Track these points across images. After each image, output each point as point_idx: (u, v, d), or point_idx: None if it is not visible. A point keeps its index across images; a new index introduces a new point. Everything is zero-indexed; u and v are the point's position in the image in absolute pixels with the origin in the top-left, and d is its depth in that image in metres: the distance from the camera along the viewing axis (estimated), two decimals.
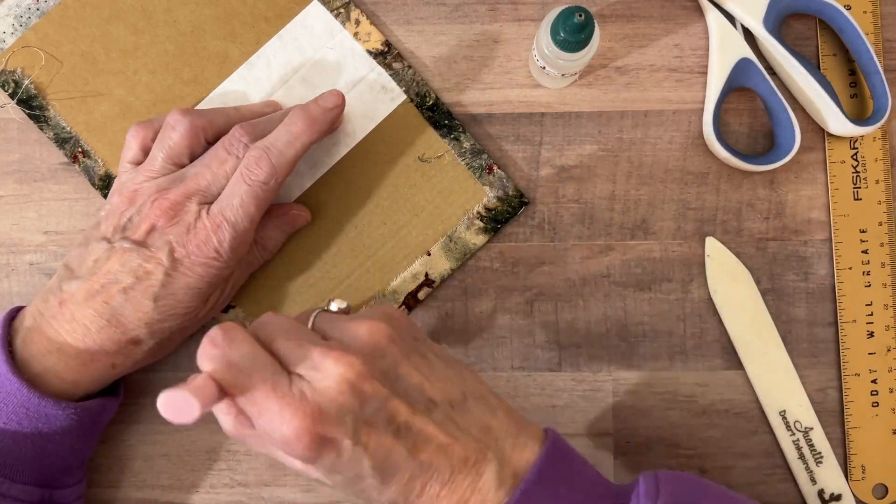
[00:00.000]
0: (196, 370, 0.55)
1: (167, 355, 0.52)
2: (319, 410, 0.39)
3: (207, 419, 0.54)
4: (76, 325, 0.47)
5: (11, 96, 0.54)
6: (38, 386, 0.46)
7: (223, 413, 0.41)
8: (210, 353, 0.40)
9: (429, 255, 0.55)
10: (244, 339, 0.40)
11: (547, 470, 0.42)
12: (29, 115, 0.54)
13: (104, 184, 0.55)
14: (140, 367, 0.50)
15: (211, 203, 0.48)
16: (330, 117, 0.50)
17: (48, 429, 0.46)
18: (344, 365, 0.39)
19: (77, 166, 0.55)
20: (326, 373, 0.39)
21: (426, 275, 0.55)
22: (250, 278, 0.54)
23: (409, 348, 0.43)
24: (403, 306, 0.55)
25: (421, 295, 0.55)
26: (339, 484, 0.42)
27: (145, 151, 0.51)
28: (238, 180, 0.48)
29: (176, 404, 0.37)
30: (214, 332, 0.40)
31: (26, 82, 0.54)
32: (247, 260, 0.52)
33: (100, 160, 0.55)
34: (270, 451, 0.42)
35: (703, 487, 0.44)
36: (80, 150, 0.55)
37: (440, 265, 0.55)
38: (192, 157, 0.50)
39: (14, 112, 0.55)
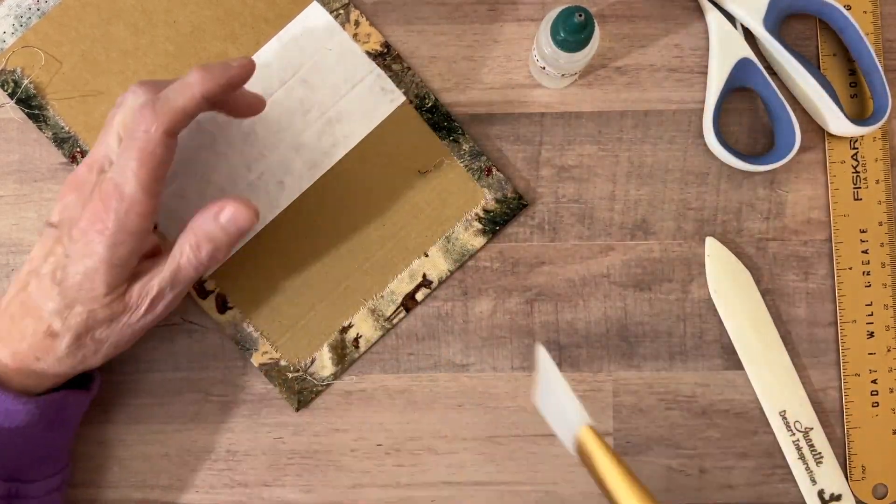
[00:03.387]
0: (193, 370, 0.55)
1: (108, 360, 0.49)
2: None
3: (213, 419, 0.54)
4: (5, 318, 0.46)
5: (11, 96, 0.54)
6: None
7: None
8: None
9: (426, 256, 0.55)
10: None
11: None
12: (28, 114, 0.54)
13: None
14: (77, 369, 0.48)
15: None
16: (229, 73, 0.46)
17: (9, 423, 0.46)
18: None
19: (76, 166, 0.55)
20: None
21: (424, 276, 0.55)
22: (249, 279, 0.54)
23: None
24: (402, 307, 0.55)
25: (419, 296, 0.55)
26: None
27: None
28: (126, 138, 0.45)
29: None
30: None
31: (26, 82, 0.54)
32: (177, 261, 0.47)
33: None
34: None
35: None
36: (78, 149, 0.55)
37: (438, 266, 0.55)
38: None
39: (13, 111, 0.55)
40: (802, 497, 0.54)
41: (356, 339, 0.55)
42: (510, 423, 0.55)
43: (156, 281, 0.46)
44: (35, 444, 0.48)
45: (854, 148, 0.55)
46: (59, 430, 0.49)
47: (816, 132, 0.56)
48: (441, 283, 0.55)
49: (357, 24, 0.55)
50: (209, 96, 0.45)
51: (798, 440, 0.54)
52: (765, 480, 0.55)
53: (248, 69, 0.47)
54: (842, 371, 0.54)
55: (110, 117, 0.47)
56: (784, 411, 0.54)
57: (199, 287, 0.54)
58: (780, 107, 0.54)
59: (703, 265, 0.55)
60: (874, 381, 0.54)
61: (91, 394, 0.51)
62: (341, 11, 0.55)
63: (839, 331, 0.55)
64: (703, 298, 0.55)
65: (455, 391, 0.55)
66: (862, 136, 0.55)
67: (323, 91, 0.55)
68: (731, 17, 0.55)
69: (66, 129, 0.55)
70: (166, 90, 0.45)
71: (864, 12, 0.55)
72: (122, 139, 0.45)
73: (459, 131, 0.55)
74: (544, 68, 0.52)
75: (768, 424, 0.54)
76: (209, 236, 0.46)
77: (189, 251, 0.46)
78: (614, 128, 0.56)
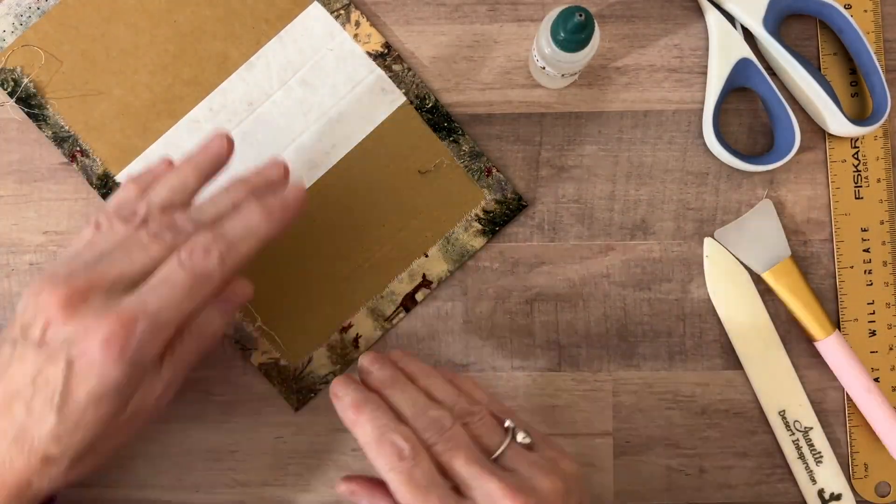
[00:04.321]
0: (194, 370, 0.55)
1: (103, 464, 0.44)
2: None
3: (214, 419, 0.54)
4: None
5: (10, 95, 0.54)
6: None
7: None
8: (396, 465, 0.40)
9: (426, 256, 0.55)
10: (426, 459, 0.41)
11: None
12: (28, 113, 0.54)
13: (102, 183, 0.55)
14: (72, 483, 0.43)
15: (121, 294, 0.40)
16: (290, 215, 0.44)
17: None
18: None
19: (75, 165, 0.55)
20: None
21: (423, 276, 0.55)
22: (249, 279, 0.54)
23: None
24: (402, 307, 0.55)
25: (419, 296, 0.55)
26: None
27: None
28: (174, 267, 0.40)
29: None
30: (402, 444, 0.41)
31: (25, 81, 0.54)
32: (178, 356, 0.45)
33: (98, 159, 0.55)
34: None
35: None
36: (78, 149, 0.55)
37: (438, 267, 0.55)
38: None
39: (13, 111, 0.55)
40: (802, 497, 0.54)
41: (356, 339, 0.55)
42: None
43: (154, 386, 0.44)
44: None
45: (855, 147, 0.55)
46: None
47: (816, 132, 0.56)
48: (440, 283, 0.55)
49: (358, 24, 0.55)
50: (273, 237, 0.43)
51: (798, 440, 0.54)
52: (764, 480, 0.55)
53: (304, 203, 0.45)
54: None
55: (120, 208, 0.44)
56: (783, 411, 0.54)
57: None
58: (780, 107, 0.54)
59: (702, 265, 0.55)
60: (876, 380, 0.54)
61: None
62: (342, 12, 0.55)
63: (840, 329, 0.55)
64: (703, 298, 0.55)
65: None
66: (863, 136, 0.55)
67: (323, 91, 0.55)
68: (730, 18, 0.55)
69: (66, 128, 0.55)
70: (228, 229, 0.42)
71: (865, 11, 0.55)
72: (163, 268, 0.41)
73: (459, 132, 0.55)
74: (544, 68, 0.52)
75: (768, 424, 0.54)
76: (209, 321, 0.46)
77: (189, 340, 0.45)
78: (614, 128, 0.56)
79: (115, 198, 0.46)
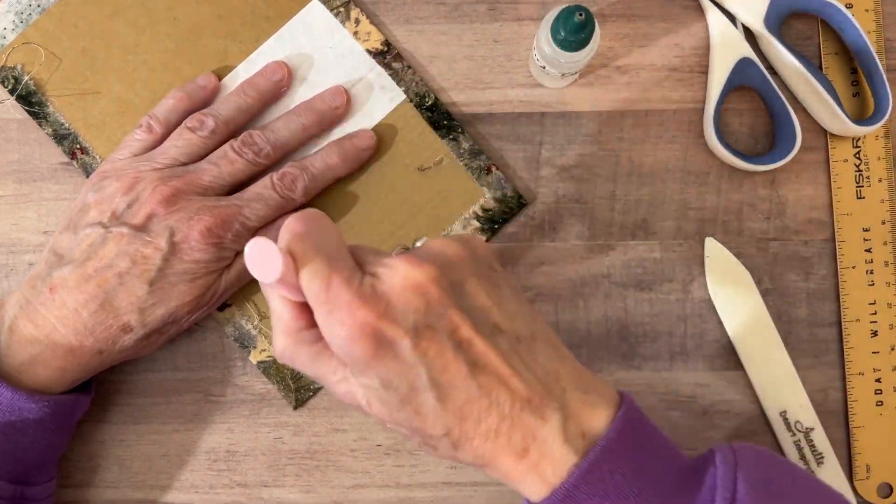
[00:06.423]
0: (192, 370, 0.55)
1: (152, 352, 0.52)
2: (385, 305, 0.38)
3: (212, 419, 0.54)
4: (66, 310, 0.47)
5: (11, 92, 0.54)
6: (21, 375, 0.46)
7: (286, 308, 0.40)
8: (297, 229, 0.38)
9: None
10: (331, 226, 0.40)
11: (625, 437, 0.39)
12: (28, 111, 0.54)
13: None
14: (125, 359, 0.50)
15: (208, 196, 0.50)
16: (362, 157, 0.54)
17: (21, 423, 0.46)
18: (414, 266, 0.38)
19: (75, 163, 0.55)
20: (397, 271, 0.38)
21: None
22: (246, 276, 0.54)
23: (481, 272, 0.41)
24: None
25: None
26: (394, 405, 0.39)
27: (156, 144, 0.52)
28: (268, 187, 0.51)
29: (262, 257, 0.36)
30: (304, 213, 0.39)
31: (26, 79, 0.54)
32: (245, 267, 0.51)
33: (98, 157, 0.55)
34: (320, 367, 0.40)
35: (784, 471, 0.42)
36: (78, 146, 0.55)
37: None
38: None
39: (13, 109, 0.55)
40: None
41: None
42: None
43: (223, 280, 0.51)
44: (42, 446, 0.48)
45: (856, 147, 0.55)
46: (65, 433, 0.50)
47: (817, 132, 0.56)
48: None
49: (357, 22, 0.55)
50: (343, 176, 0.54)
51: (799, 440, 0.53)
52: None
53: (374, 147, 0.54)
54: (846, 370, 0.54)
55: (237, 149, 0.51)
56: (784, 412, 0.54)
57: None
58: (781, 106, 0.54)
59: (703, 265, 0.55)
60: (878, 380, 0.54)
61: (91, 396, 0.51)
62: (342, 10, 0.55)
63: (842, 330, 0.54)
64: (704, 298, 0.55)
65: None
66: (864, 135, 0.55)
67: (323, 89, 0.55)
68: (731, 17, 0.55)
69: (66, 125, 0.55)
70: (310, 164, 0.52)
71: (866, 11, 0.55)
72: (261, 189, 0.51)
73: (459, 130, 0.55)
74: (544, 68, 0.52)
75: (769, 425, 0.54)
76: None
77: None
78: (614, 128, 0.55)
79: (164, 105, 0.53)
